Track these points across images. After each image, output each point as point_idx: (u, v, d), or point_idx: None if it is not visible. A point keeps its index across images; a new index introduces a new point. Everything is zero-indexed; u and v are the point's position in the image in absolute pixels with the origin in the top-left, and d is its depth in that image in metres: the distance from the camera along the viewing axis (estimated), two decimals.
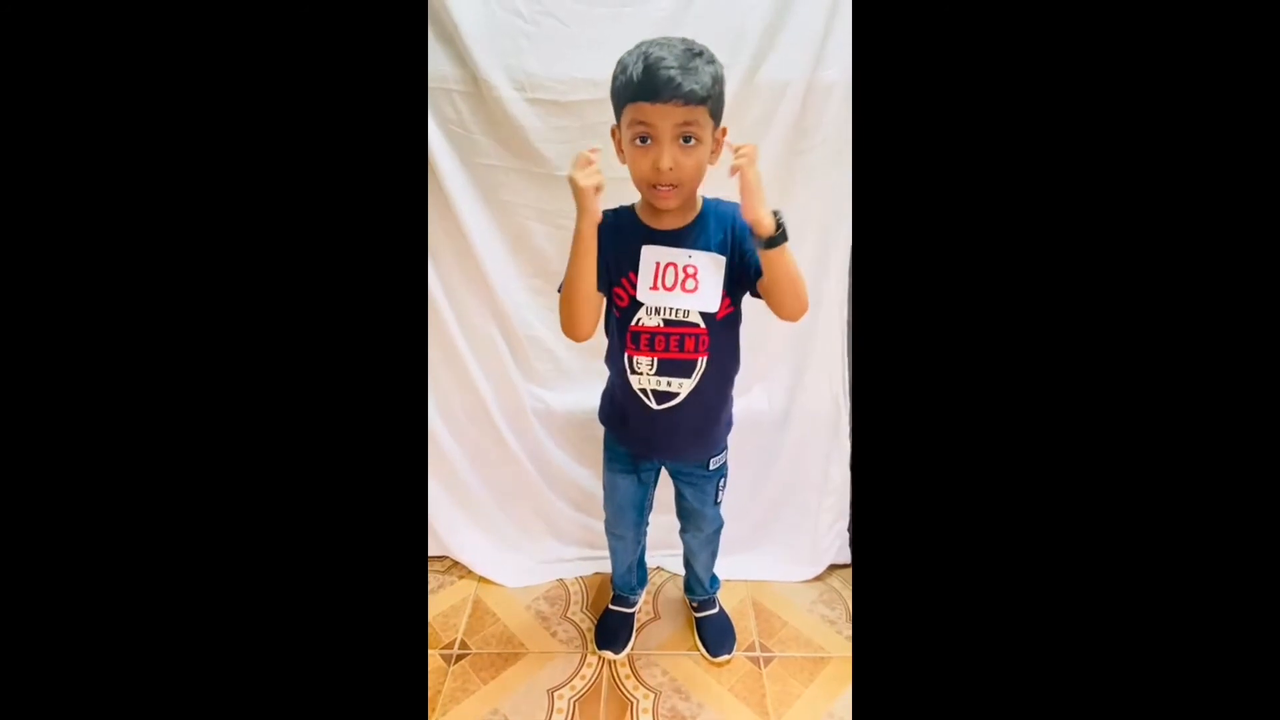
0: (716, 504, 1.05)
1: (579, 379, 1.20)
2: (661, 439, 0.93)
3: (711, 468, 1.00)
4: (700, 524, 1.07)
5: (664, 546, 1.29)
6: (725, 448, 1.01)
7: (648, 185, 0.76)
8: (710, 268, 0.81)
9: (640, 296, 0.82)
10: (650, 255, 0.81)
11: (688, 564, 1.17)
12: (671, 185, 0.75)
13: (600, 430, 1.05)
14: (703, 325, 0.84)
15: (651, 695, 1.07)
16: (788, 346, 1.18)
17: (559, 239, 1.09)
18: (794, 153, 1.04)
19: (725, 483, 1.04)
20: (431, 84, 0.98)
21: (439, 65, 0.97)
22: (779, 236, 0.74)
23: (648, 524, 1.13)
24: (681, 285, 0.81)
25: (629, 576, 1.17)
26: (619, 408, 0.95)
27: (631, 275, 0.82)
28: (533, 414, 1.23)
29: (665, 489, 1.12)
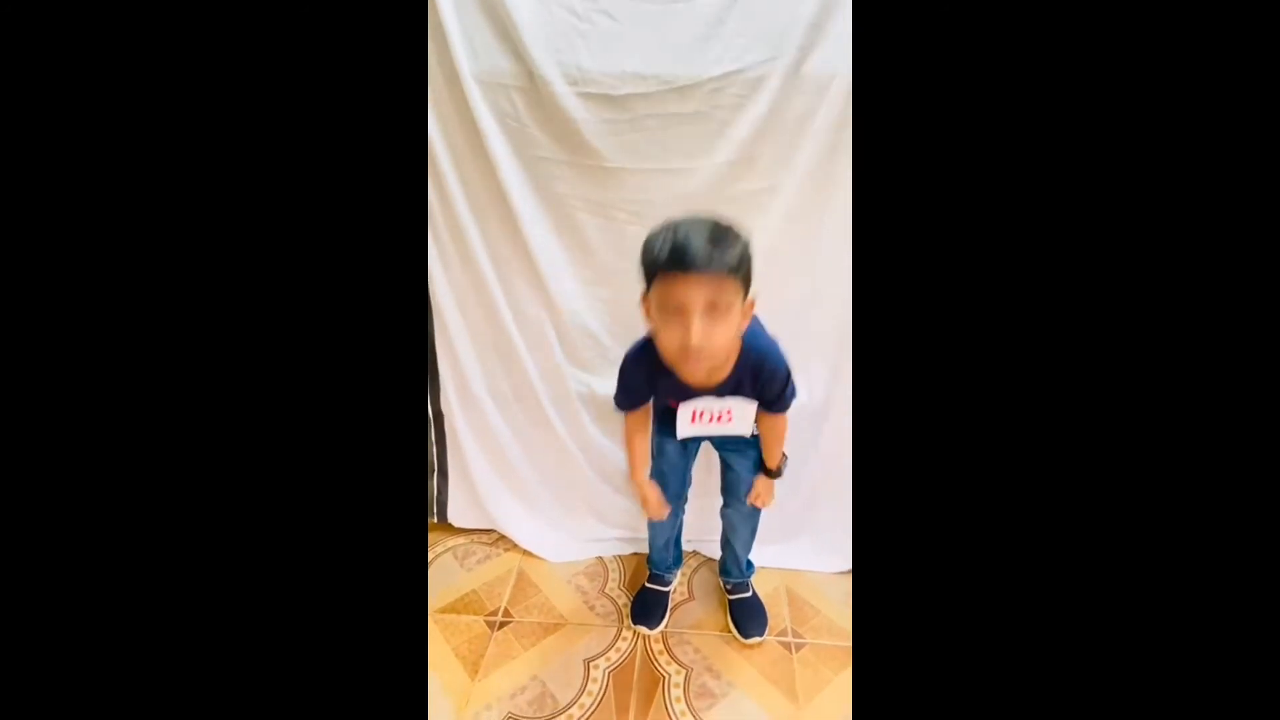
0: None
1: None
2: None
3: (753, 434, 1.03)
4: (743, 493, 1.10)
5: (701, 531, 1.33)
6: None
7: (676, 356, 0.78)
8: (743, 407, 0.92)
9: (680, 434, 0.96)
10: (686, 408, 0.92)
11: (726, 543, 1.20)
12: (700, 357, 0.76)
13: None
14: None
15: (684, 671, 1.11)
16: (828, 338, 1.19)
17: (607, 229, 1.13)
18: (837, 146, 1.04)
19: None
20: (489, 79, 1.03)
21: (497, 62, 1.02)
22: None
23: (686, 501, 1.16)
24: (716, 421, 0.94)
25: (665, 554, 1.21)
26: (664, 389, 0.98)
27: (673, 403, 0.94)
28: (577, 398, 1.28)
29: (707, 475, 1.16)
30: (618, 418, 1.29)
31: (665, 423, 1.07)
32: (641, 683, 1.09)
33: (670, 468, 1.10)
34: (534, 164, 1.09)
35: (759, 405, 0.93)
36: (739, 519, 1.15)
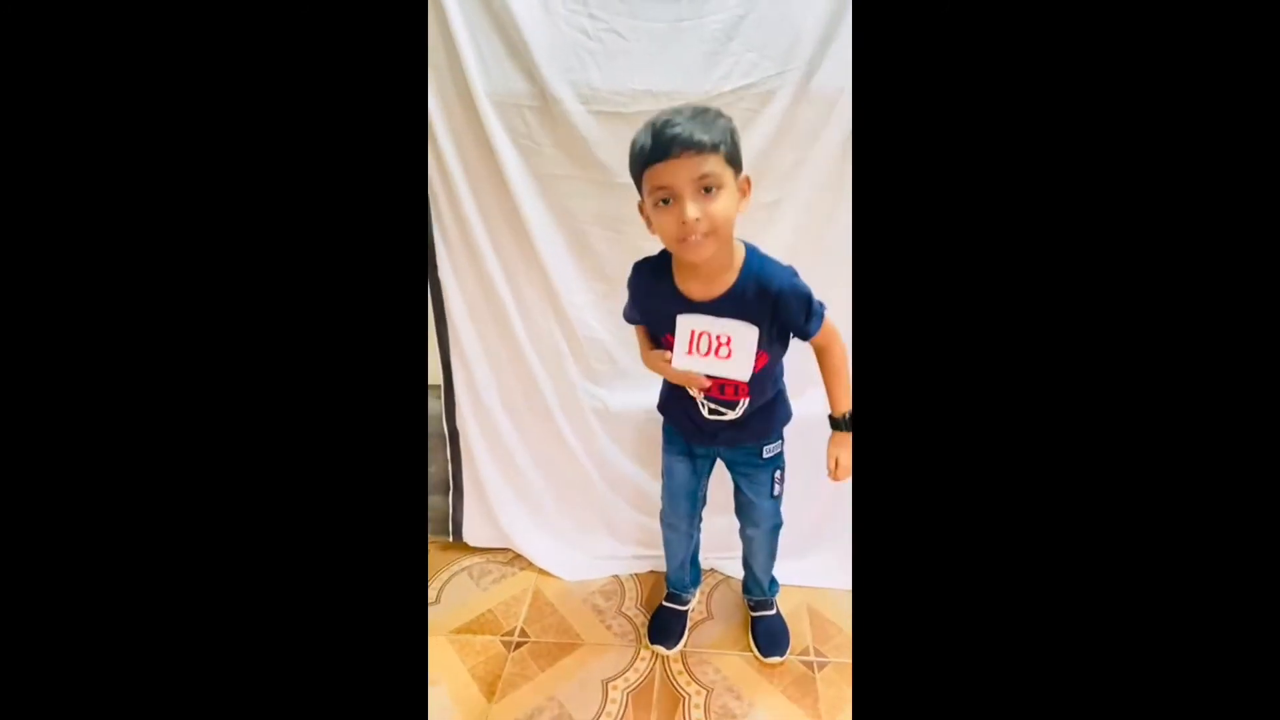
0: (774, 497, 1.06)
1: (636, 379, 1.24)
2: (714, 435, 0.99)
3: (765, 457, 1.02)
4: (756, 518, 1.08)
5: (720, 549, 1.30)
6: (780, 438, 1.03)
7: (677, 241, 0.76)
8: (745, 336, 0.84)
9: (675, 364, 0.87)
10: (685, 324, 0.85)
11: (747, 564, 1.18)
12: (702, 234, 0.74)
13: (656, 429, 1.09)
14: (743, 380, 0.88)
15: (704, 692, 1.08)
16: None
17: (618, 243, 1.14)
18: (846, 159, 1.05)
19: (782, 475, 1.05)
20: (503, 99, 1.05)
21: (511, 82, 1.04)
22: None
23: (701, 519, 1.15)
24: (715, 353, 0.85)
25: (682, 573, 1.19)
26: (676, 398, 0.99)
27: (669, 337, 0.87)
28: (592, 413, 1.28)
29: (725, 491, 1.14)
30: (631, 432, 1.29)
31: (672, 441, 1.06)
32: (661, 703, 1.06)
33: (679, 487, 1.08)
34: (547, 181, 1.11)
35: (792, 335, 0.88)
36: (756, 543, 1.13)
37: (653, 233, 0.80)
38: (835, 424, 0.96)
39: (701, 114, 0.73)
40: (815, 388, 1.21)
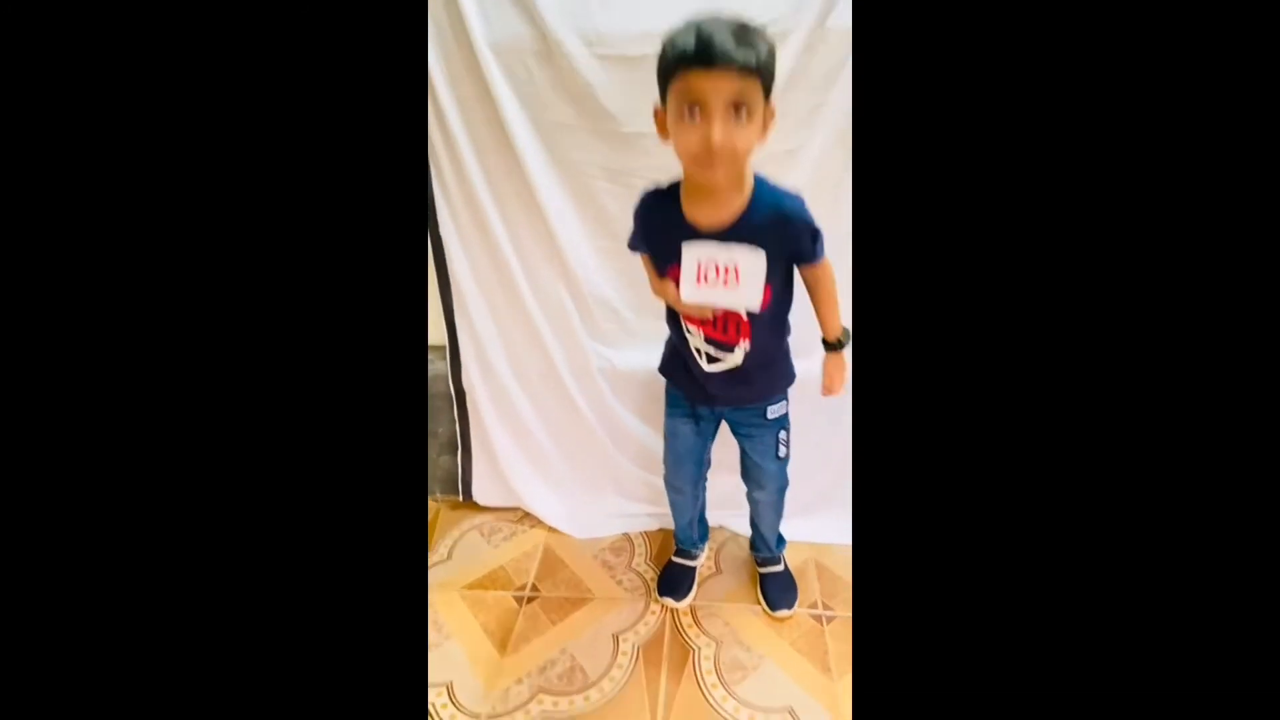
0: (779, 459, 1.05)
1: (643, 338, 1.22)
2: (715, 390, 0.97)
3: (769, 417, 1.00)
4: (763, 480, 1.08)
5: (728, 506, 1.31)
6: (784, 398, 1.01)
7: (696, 160, 0.73)
8: (752, 263, 0.81)
9: (684, 296, 0.84)
10: (691, 254, 0.82)
11: (754, 524, 1.18)
12: (724, 159, 0.72)
13: (663, 388, 1.08)
14: (744, 315, 0.87)
15: (714, 644, 1.10)
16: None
17: (625, 198, 1.10)
18: None
19: (788, 436, 1.04)
20: (504, 46, 1.01)
21: (512, 27, 0.99)
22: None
23: (706, 480, 1.15)
24: (723, 282, 0.82)
25: (690, 530, 1.20)
26: (679, 357, 0.98)
27: (676, 269, 0.84)
28: (599, 373, 1.26)
29: (731, 451, 1.13)
30: (639, 391, 1.28)
31: (676, 404, 1.05)
32: (671, 655, 1.08)
33: (684, 451, 1.08)
34: (551, 131, 1.07)
35: (792, 261, 0.86)
36: (763, 505, 1.13)
37: (665, 143, 0.76)
38: (828, 346, 0.97)
39: (746, 29, 0.68)
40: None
